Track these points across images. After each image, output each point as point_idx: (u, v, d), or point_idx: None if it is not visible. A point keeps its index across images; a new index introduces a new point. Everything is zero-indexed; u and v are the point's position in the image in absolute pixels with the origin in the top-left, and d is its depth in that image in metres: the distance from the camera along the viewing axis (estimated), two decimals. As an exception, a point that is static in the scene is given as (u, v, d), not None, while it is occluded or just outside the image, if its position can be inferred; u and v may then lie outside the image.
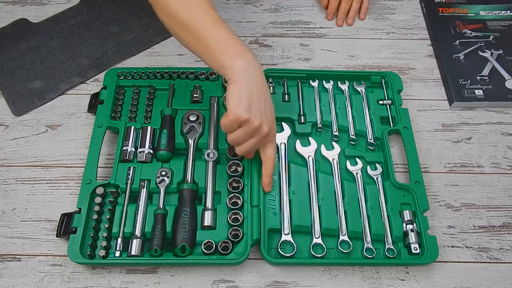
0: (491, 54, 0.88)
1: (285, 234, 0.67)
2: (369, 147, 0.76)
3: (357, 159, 0.75)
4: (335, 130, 0.77)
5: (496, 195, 0.74)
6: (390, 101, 0.80)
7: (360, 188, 0.72)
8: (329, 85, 0.82)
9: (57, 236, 0.67)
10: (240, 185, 0.70)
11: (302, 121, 0.78)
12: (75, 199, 0.68)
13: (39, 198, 0.73)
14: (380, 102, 0.80)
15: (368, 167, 0.74)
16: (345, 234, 0.67)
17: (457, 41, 0.90)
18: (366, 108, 0.80)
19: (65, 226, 0.66)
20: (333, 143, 0.76)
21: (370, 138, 0.77)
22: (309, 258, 0.66)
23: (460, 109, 0.83)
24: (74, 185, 0.74)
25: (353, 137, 0.77)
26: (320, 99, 0.80)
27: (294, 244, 0.66)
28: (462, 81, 0.84)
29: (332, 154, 0.75)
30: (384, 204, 0.70)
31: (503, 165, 0.77)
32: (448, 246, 0.69)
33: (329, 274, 0.67)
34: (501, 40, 0.90)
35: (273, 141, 0.66)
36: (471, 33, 0.91)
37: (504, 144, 0.79)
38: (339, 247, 0.66)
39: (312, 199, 0.70)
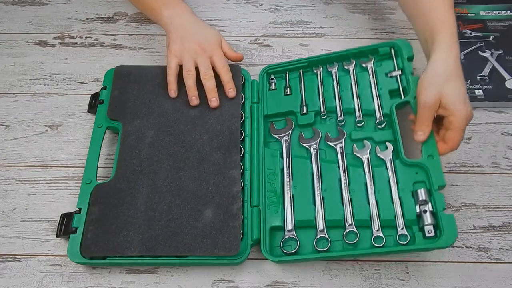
0: (491, 54, 0.88)
1: (288, 231, 0.66)
2: (378, 126, 0.72)
3: (364, 141, 0.71)
4: (340, 115, 0.74)
5: (496, 195, 0.74)
6: (400, 71, 0.74)
7: (368, 173, 0.68)
8: (333, 69, 0.79)
9: (57, 236, 0.67)
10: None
11: (304, 111, 0.76)
12: (75, 199, 0.68)
13: (39, 198, 0.73)
14: (389, 74, 0.75)
15: (377, 147, 0.70)
16: (351, 224, 0.64)
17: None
18: (374, 84, 0.75)
19: (65, 226, 0.66)
20: (338, 128, 0.73)
21: (379, 116, 0.72)
22: (313, 253, 0.64)
23: (460, 109, 0.83)
24: (74, 185, 0.74)
25: (360, 118, 0.73)
26: (323, 85, 0.78)
27: (297, 240, 0.65)
28: (462, 81, 0.84)
29: (337, 141, 0.72)
30: (394, 185, 0.66)
31: (503, 165, 0.77)
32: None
33: (329, 274, 0.67)
34: (501, 40, 0.90)
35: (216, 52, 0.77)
36: (471, 33, 0.91)
37: (504, 144, 0.79)
38: (345, 239, 0.64)
39: (316, 191, 0.68)
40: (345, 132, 0.73)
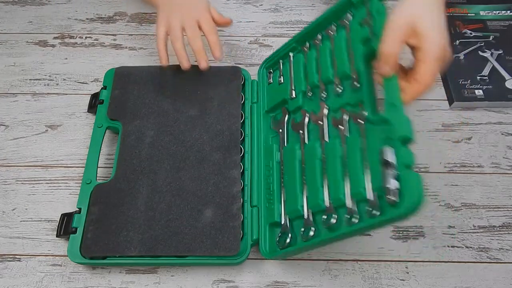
0: (491, 54, 0.88)
1: (283, 225, 0.65)
2: (354, 83, 0.62)
3: (342, 109, 0.63)
4: (322, 88, 0.68)
5: (496, 195, 0.74)
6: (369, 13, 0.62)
7: (343, 144, 0.60)
8: (317, 40, 0.74)
9: (57, 236, 0.67)
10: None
11: (293, 95, 0.73)
12: (75, 199, 0.68)
13: (39, 198, 0.73)
14: (362, 22, 0.63)
15: (353, 113, 0.61)
16: (329, 206, 0.59)
17: (457, 41, 0.90)
18: (349, 42, 0.66)
19: (65, 226, 0.66)
20: (321, 103, 0.67)
21: (354, 76, 0.63)
22: (300, 243, 0.61)
23: (460, 109, 0.83)
24: (74, 185, 0.74)
25: (338, 85, 0.65)
26: (307, 61, 0.73)
27: (289, 233, 0.63)
28: (462, 81, 0.84)
29: (319, 117, 0.67)
30: (365, 151, 0.57)
31: (503, 165, 0.77)
32: (448, 246, 0.69)
33: (329, 274, 0.67)
34: (501, 40, 0.90)
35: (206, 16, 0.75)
36: (471, 33, 0.91)
37: (504, 144, 0.79)
38: (325, 222, 0.58)
39: (303, 178, 0.64)
40: (326, 105, 0.66)
